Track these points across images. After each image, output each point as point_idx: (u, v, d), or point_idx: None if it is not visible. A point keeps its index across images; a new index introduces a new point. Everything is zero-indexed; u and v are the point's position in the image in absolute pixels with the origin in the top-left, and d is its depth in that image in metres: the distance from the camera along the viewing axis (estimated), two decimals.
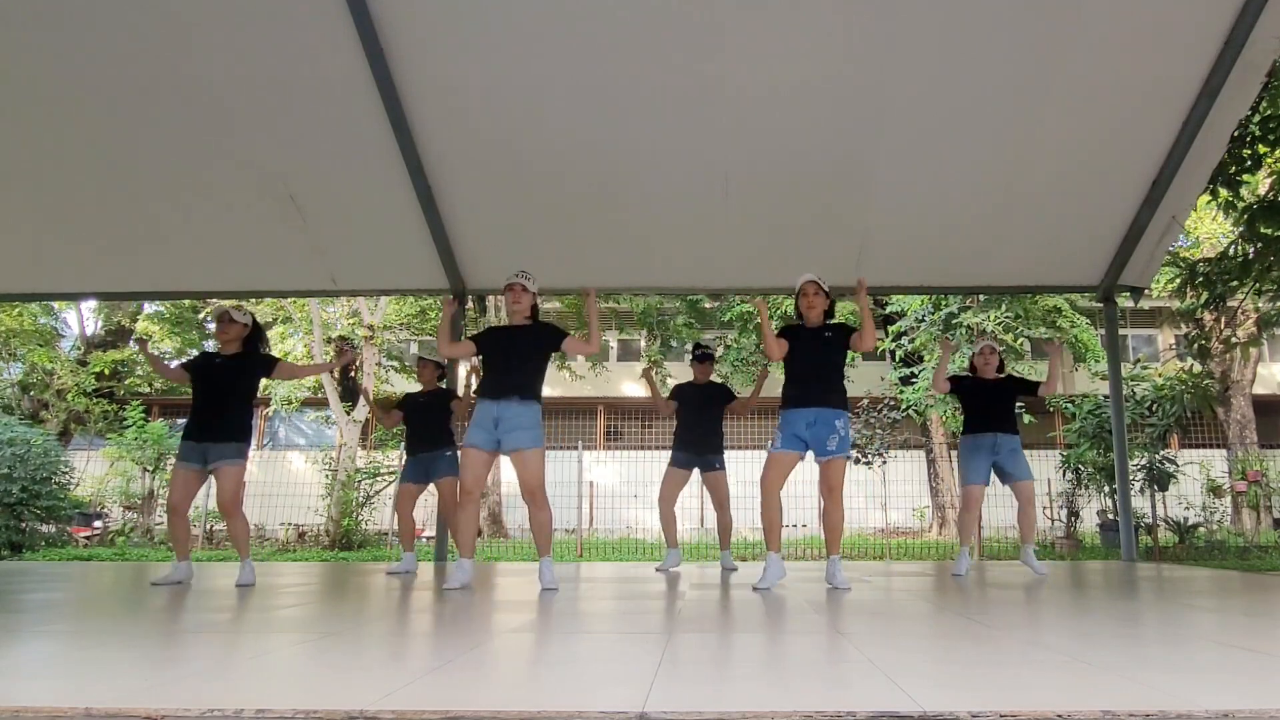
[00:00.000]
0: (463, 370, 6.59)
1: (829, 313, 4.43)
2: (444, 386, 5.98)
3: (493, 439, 4.17)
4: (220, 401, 4.64)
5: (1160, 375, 11.30)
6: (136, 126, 5.66)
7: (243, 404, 4.73)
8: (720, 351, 19.88)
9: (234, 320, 4.77)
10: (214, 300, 15.92)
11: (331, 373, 4.89)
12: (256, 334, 4.91)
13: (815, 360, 4.30)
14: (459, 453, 5.26)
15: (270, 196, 6.13)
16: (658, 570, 5.75)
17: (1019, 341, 14.11)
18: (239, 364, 4.74)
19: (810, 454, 4.28)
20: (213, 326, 8.32)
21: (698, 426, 5.81)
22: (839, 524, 4.26)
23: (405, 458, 5.81)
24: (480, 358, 4.43)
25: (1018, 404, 5.57)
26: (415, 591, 4.26)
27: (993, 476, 5.38)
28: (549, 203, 6.27)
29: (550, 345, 4.37)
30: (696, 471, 5.86)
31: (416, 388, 5.98)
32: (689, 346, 9.73)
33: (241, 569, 4.66)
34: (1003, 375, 5.54)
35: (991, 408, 5.38)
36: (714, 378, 6.15)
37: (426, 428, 5.64)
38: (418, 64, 5.32)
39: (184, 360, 5.96)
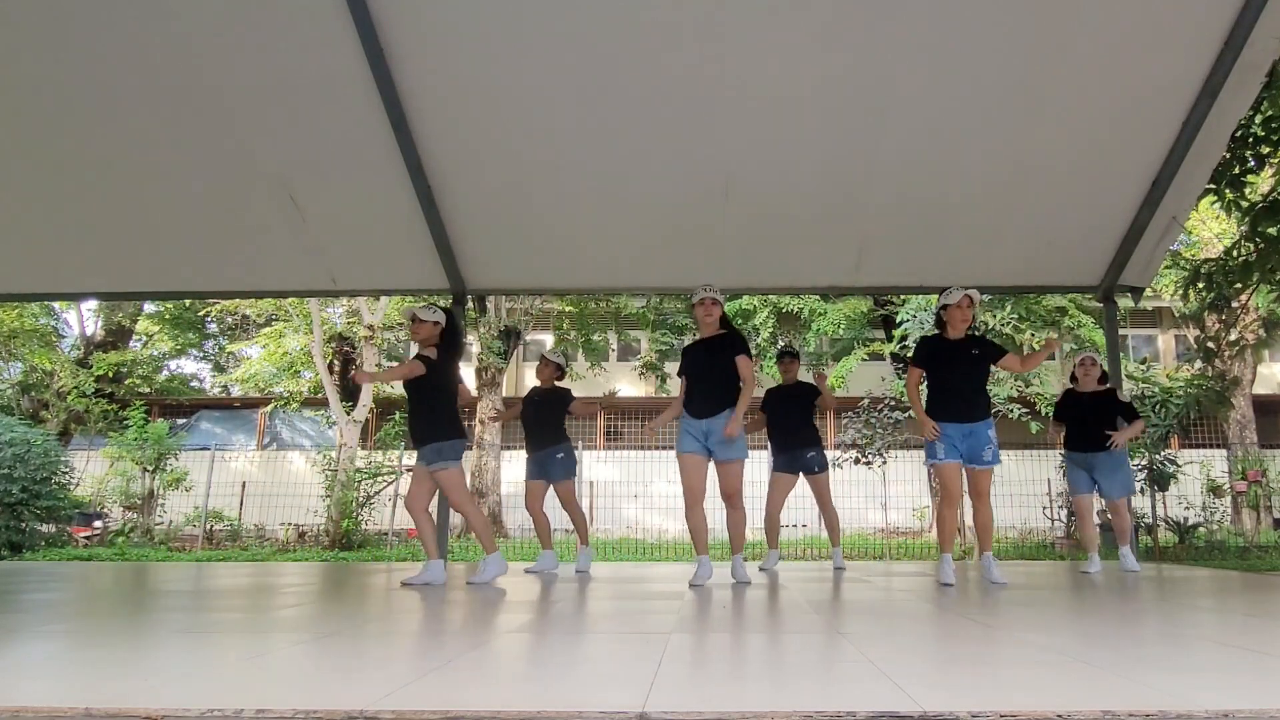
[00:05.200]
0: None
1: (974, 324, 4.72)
2: (562, 386, 5.98)
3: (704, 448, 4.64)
4: (411, 403, 4.70)
5: (1168, 376, 11.29)
6: (136, 126, 5.65)
7: (424, 405, 4.64)
8: None
9: (420, 319, 4.71)
10: (214, 300, 15.96)
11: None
12: (451, 331, 4.81)
13: (963, 373, 4.63)
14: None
15: (270, 196, 6.13)
16: (761, 569, 5.69)
17: (1022, 341, 14.07)
18: (432, 365, 4.67)
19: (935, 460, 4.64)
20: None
21: (791, 429, 5.92)
22: (989, 522, 4.68)
23: (528, 455, 5.82)
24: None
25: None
26: (415, 592, 4.26)
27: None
28: (549, 203, 6.26)
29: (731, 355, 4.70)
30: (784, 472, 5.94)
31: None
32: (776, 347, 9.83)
33: (483, 564, 4.70)
34: (1105, 388, 5.37)
35: (1086, 424, 5.26)
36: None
37: (541, 425, 5.72)
38: (418, 64, 5.31)
39: None
